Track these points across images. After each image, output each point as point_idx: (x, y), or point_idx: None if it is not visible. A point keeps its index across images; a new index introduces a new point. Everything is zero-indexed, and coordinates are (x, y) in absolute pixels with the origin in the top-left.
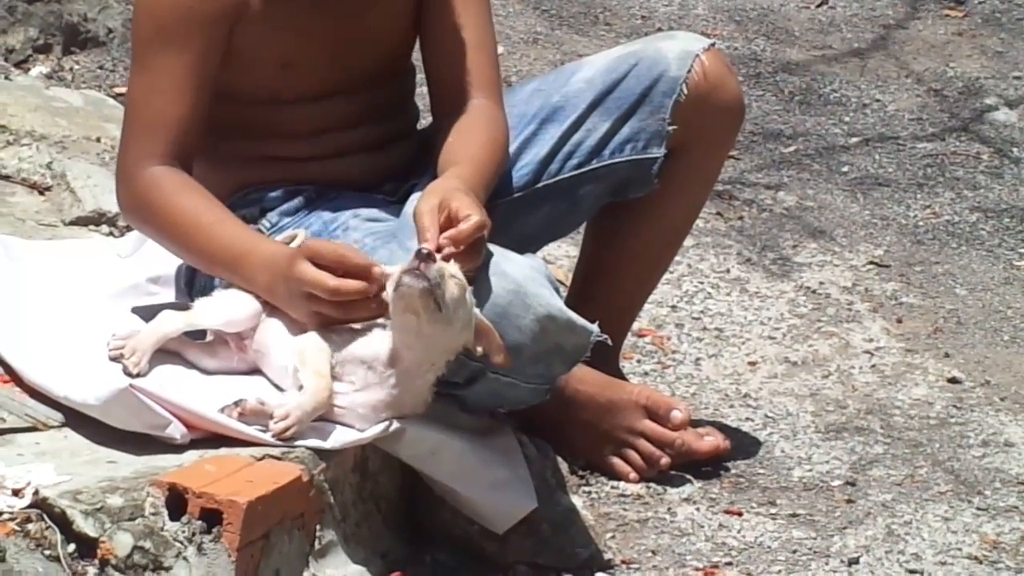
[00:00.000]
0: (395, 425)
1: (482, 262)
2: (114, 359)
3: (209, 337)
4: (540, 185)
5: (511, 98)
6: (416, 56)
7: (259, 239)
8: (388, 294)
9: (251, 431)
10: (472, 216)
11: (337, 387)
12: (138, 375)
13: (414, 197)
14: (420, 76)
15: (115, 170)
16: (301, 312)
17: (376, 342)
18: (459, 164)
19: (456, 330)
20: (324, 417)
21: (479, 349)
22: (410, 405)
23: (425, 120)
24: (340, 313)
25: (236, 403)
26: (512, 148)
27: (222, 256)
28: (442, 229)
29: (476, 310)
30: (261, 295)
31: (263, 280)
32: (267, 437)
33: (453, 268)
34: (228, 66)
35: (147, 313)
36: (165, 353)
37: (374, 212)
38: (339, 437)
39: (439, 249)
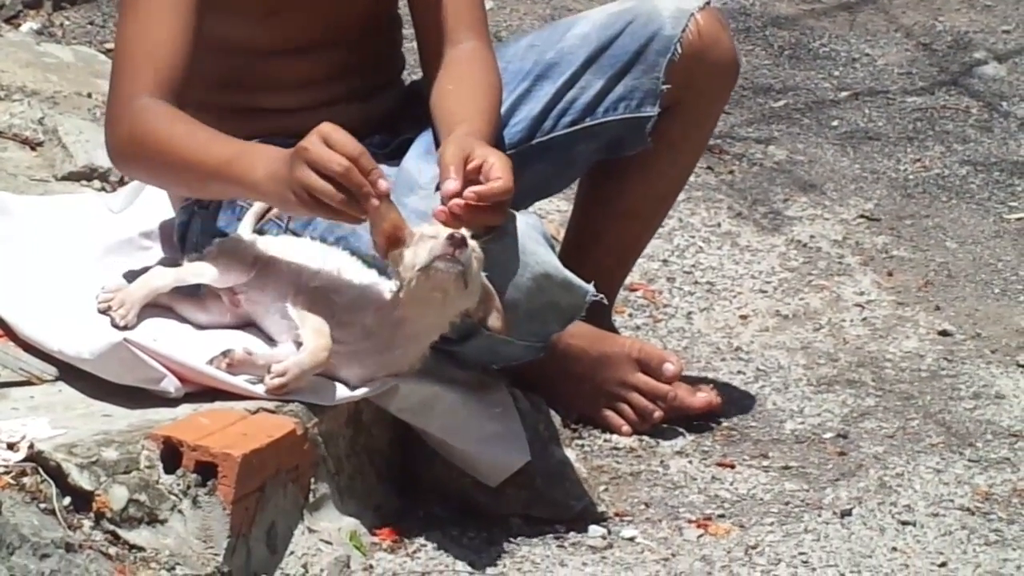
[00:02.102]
0: (389, 383)
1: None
2: (103, 311)
3: (201, 291)
4: (534, 142)
5: (504, 53)
6: (404, 11)
7: (254, 144)
8: (406, 269)
9: (242, 383)
10: (501, 180)
11: (335, 346)
12: (125, 327)
13: (413, 153)
14: (409, 31)
15: (106, 111)
16: (293, 191)
17: (380, 304)
18: (470, 120)
19: (469, 299)
20: (319, 373)
21: (479, 313)
22: (407, 366)
23: (414, 74)
24: (334, 198)
25: (224, 354)
26: (506, 105)
27: (217, 163)
28: (467, 177)
29: (483, 275)
30: (255, 192)
31: (261, 173)
32: (258, 390)
33: (473, 241)
34: (214, 14)
35: (139, 270)
36: (157, 308)
37: None
38: (332, 393)
39: (459, 194)
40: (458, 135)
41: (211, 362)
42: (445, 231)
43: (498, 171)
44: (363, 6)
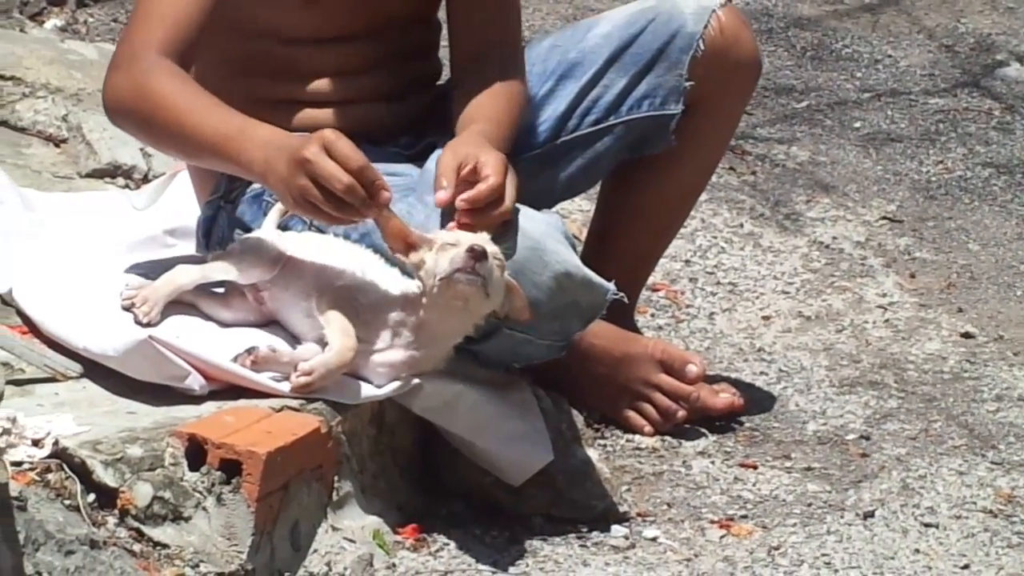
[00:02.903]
0: (413, 382)
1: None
2: (126, 308)
3: (223, 288)
4: (559, 141)
5: (527, 54)
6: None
7: (255, 123)
8: (427, 276)
9: (266, 381)
10: (491, 177)
11: (360, 345)
12: (148, 324)
13: (435, 155)
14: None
15: (111, 61)
16: (292, 197)
17: (404, 305)
18: (481, 121)
19: (492, 303)
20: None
21: (506, 308)
22: (432, 365)
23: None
24: (333, 209)
25: (248, 351)
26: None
27: (214, 135)
28: (465, 180)
29: (507, 275)
30: (250, 174)
31: (259, 156)
32: (282, 388)
33: (494, 247)
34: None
35: (163, 267)
36: (181, 305)
37: (392, 167)
38: (356, 392)
39: (451, 202)
40: (457, 140)
41: (236, 359)
42: (466, 240)
43: (488, 169)
44: (403, 2)
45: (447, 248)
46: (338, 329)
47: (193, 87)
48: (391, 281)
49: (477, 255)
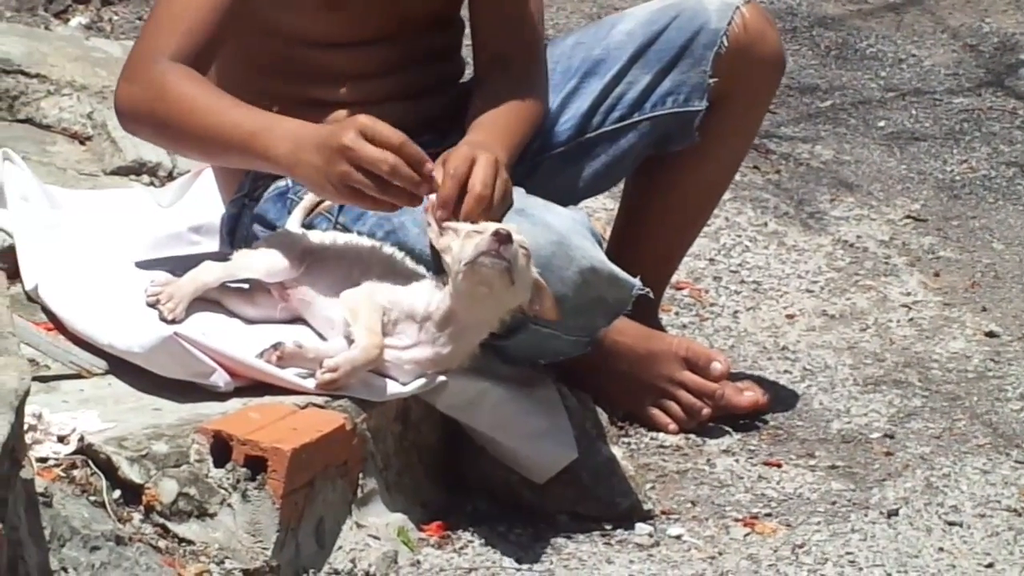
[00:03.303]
0: (438, 379)
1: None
2: (151, 305)
3: (247, 285)
4: (583, 138)
5: (552, 52)
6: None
7: (279, 117)
8: (454, 262)
9: (291, 378)
10: (475, 187)
11: (385, 341)
12: (173, 321)
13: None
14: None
15: (124, 66)
16: (332, 185)
17: (431, 301)
18: (479, 129)
19: (518, 295)
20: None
21: (535, 307)
22: (458, 362)
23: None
24: (379, 192)
25: (274, 347)
26: (555, 103)
27: (237, 133)
28: (460, 190)
29: (534, 270)
30: (278, 168)
31: (286, 150)
32: (307, 384)
33: (522, 238)
34: (274, 2)
35: (188, 265)
36: (206, 302)
37: None
38: (381, 389)
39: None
40: (450, 152)
41: (261, 355)
42: (491, 227)
43: (473, 179)
44: (426, 5)
45: (472, 235)
46: (364, 326)
47: (211, 88)
48: (417, 278)
49: (502, 238)
